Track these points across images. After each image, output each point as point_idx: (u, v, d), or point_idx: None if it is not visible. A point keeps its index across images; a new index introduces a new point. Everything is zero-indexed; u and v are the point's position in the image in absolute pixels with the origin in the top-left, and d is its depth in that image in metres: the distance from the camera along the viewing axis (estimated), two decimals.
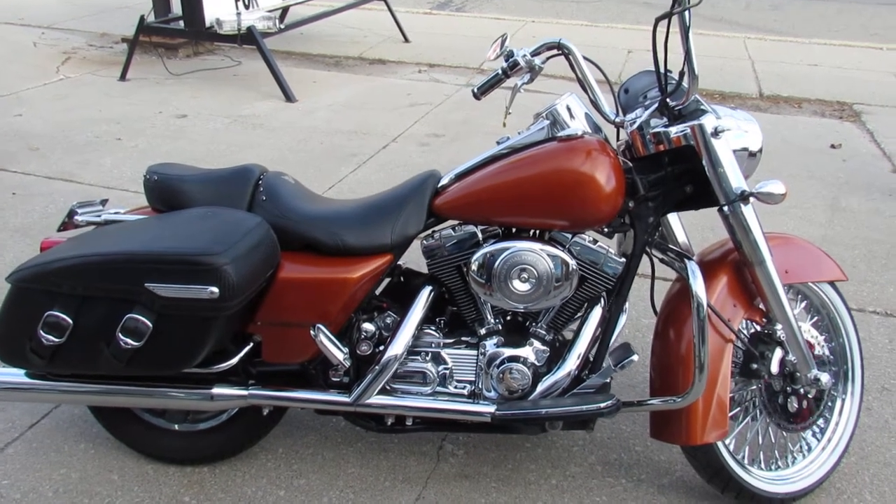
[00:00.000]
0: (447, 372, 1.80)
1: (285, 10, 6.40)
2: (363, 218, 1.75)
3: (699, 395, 1.67)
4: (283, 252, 1.73)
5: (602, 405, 1.72)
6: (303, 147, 4.31)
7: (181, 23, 5.35)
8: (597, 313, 1.75)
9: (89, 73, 5.58)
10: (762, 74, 6.00)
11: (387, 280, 1.89)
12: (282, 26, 5.40)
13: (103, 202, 1.89)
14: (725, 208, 1.65)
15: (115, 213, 1.85)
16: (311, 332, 1.72)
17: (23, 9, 7.46)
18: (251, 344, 1.79)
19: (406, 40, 6.78)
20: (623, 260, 1.73)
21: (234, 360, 1.77)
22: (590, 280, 1.72)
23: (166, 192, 1.81)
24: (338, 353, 1.74)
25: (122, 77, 5.40)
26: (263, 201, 1.77)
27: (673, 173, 1.72)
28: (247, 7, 5.32)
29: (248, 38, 5.05)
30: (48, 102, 4.90)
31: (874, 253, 3.23)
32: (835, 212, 3.64)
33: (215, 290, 1.53)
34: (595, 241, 1.73)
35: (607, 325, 1.77)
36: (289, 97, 5.07)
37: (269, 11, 5.49)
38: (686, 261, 1.70)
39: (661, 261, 1.83)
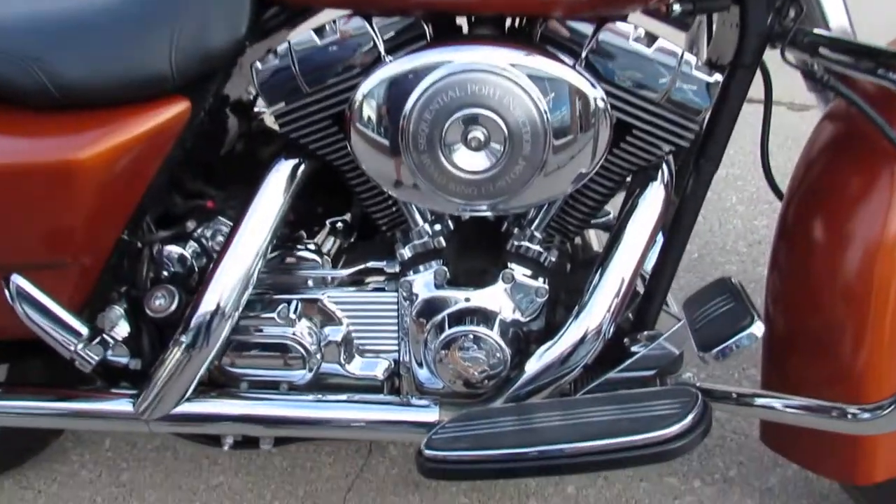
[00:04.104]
0: (342, 338, 0.91)
1: None
2: (109, 21, 0.85)
3: None
4: None
5: (672, 430, 0.81)
6: None
7: None
8: (657, 198, 0.85)
9: None
10: None
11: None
12: None
13: None
14: None
15: None
16: (6, 289, 0.86)
17: None
18: None
19: None
20: (717, 78, 0.83)
21: None
22: (642, 130, 0.83)
23: None
24: (69, 340, 0.86)
25: None
26: None
27: None
28: None
29: None
30: None
31: None
32: None
33: None
34: (652, 38, 0.82)
35: (677, 226, 0.88)
36: None
37: None
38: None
39: (808, 76, 0.89)
